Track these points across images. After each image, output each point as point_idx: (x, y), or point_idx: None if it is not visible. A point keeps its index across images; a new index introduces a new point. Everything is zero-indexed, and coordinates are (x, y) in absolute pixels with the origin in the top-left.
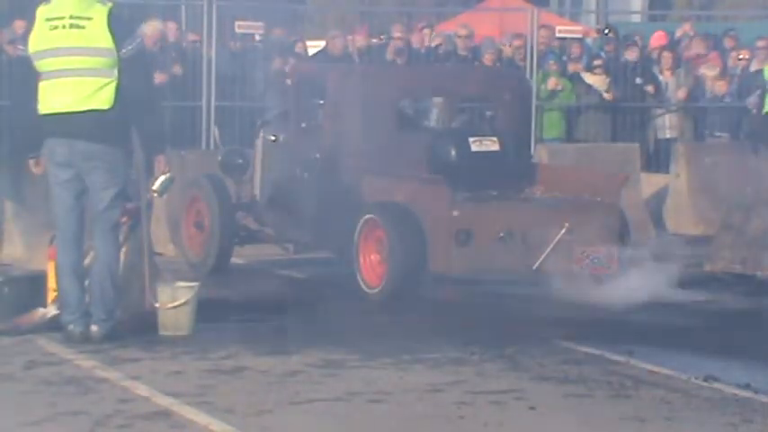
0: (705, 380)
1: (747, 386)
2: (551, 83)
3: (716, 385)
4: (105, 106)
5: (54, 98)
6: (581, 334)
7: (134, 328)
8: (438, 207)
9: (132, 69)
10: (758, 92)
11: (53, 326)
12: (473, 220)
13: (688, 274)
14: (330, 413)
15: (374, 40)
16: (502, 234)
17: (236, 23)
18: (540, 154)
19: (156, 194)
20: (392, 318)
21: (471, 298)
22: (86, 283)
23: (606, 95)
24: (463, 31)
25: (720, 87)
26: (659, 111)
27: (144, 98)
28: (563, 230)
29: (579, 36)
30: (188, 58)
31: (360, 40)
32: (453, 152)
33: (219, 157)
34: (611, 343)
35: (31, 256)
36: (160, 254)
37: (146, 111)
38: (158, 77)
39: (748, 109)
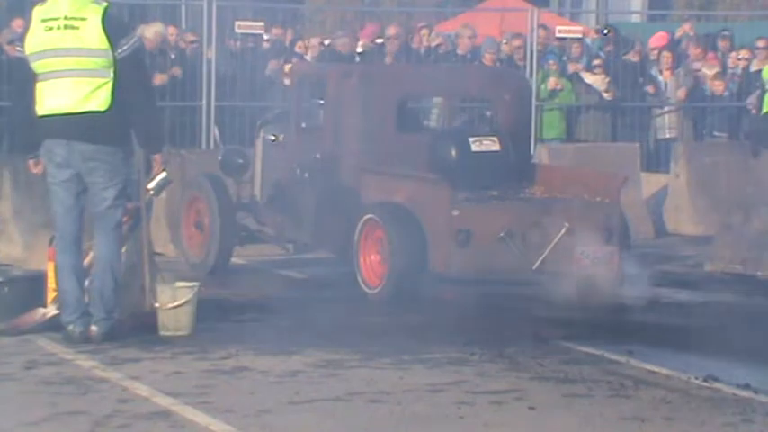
0: (705, 380)
1: (747, 386)
2: (551, 83)
3: (716, 385)
4: (102, 108)
5: (50, 100)
6: (581, 334)
7: (134, 328)
8: (438, 207)
9: (129, 69)
10: (757, 92)
11: (53, 326)
12: (473, 220)
13: (688, 274)
14: (330, 413)
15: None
16: (502, 234)
17: (236, 23)
18: (540, 154)
19: (151, 193)
20: (392, 318)
21: (471, 298)
22: (86, 282)
23: (605, 95)
24: (467, 32)
25: (718, 87)
26: (659, 111)
27: (141, 98)
28: (563, 231)
29: (579, 36)
30: (187, 59)
31: (366, 41)
32: (453, 152)
33: (219, 157)
34: (611, 343)
35: (30, 256)
36: (160, 254)
37: (142, 110)
38: (159, 78)
39: (748, 109)
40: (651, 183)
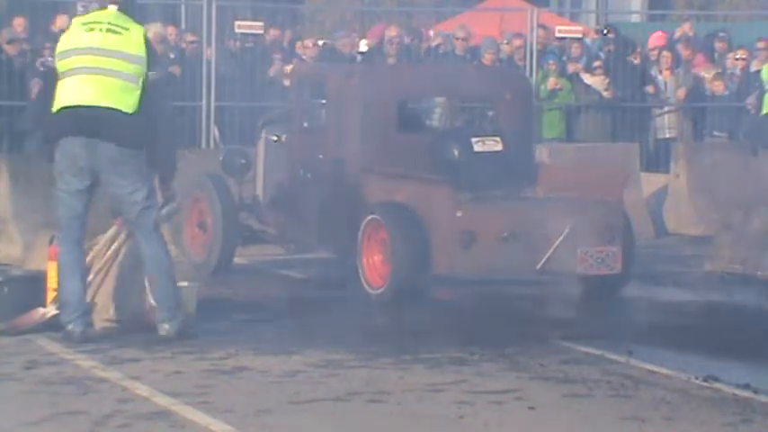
0: (705, 380)
1: (747, 386)
2: (551, 83)
3: (715, 385)
4: (129, 110)
5: (74, 93)
6: (581, 334)
7: (134, 328)
8: (441, 208)
9: (154, 94)
10: (756, 92)
11: (53, 326)
12: (476, 220)
13: (688, 274)
14: (330, 413)
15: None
16: (505, 234)
17: (236, 23)
18: (540, 154)
19: (161, 221)
20: (392, 318)
21: (471, 298)
22: (89, 279)
23: (605, 93)
24: (461, 33)
25: (718, 87)
26: (659, 111)
27: (159, 125)
28: (566, 231)
29: (579, 36)
30: (187, 59)
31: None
32: (456, 152)
33: (221, 158)
34: (611, 343)
35: (30, 256)
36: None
37: (159, 136)
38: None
39: (747, 109)
40: (651, 183)
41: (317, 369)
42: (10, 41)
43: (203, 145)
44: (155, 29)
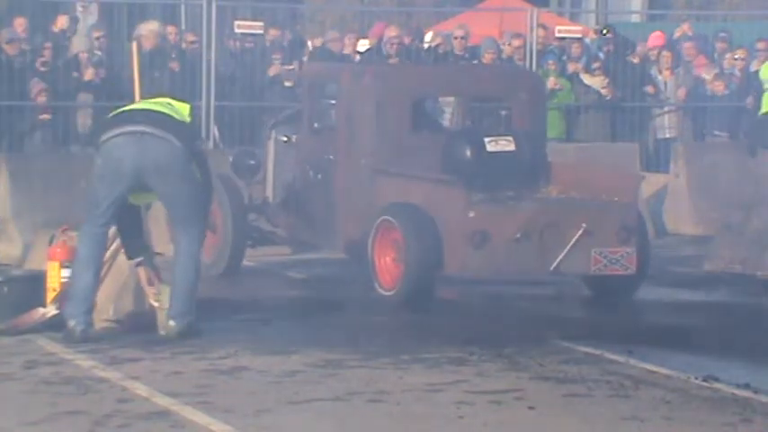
0: (704, 380)
1: (747, 386)
2: (551, 83)
3: (715, 385)
4: (182, 119)
5: (128, 107)
6: (581, 334)
7: (134, 328)
8: (454, 208)
9: (202, 160)
10: (755, 92)
11: (53, 326)
12: (489, 221)
13: (688, 274)
14: (330, 413)
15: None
16: (518, 235)
17: (236, 23)
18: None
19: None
20: (392, 318)
21: (471, 298)
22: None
23: (605, 93)
24: (459, 32)
25: (718, 87)
26: (659, 111)
27: (205, 186)
28: (580, 231)
29: (578, 36)
30: (187, 58)
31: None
32: (468, 152)
33: (231, 159)
34: (611, 343)
35: (30, 255)
36: (160, 254)
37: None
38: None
39: (747, 109)
40: (651, 183)
41: (317, 369)
42: (9, 41)
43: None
44: (151, 26)
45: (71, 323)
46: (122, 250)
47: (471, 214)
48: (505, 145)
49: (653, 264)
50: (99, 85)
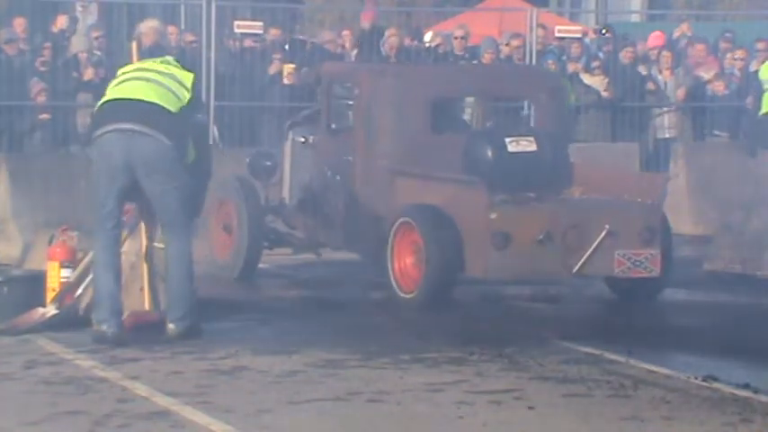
0: (704, 379)
1: (746, 386)
2: None
3: (715, 385)
4: (172, 109)
5: (119, 89)
6: (581, 334)
7: (134, 328)
8: (475, 210)
9: (202, 133)
10: (755, 92)
11: (53, 326)
12: (511, 222)
13: (688, 274)
14: (330, 413)
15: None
16: (541, 237)
17: (235, 23)
18: None
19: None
20: (391, 318)
21: (471, 298)
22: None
23: (605, 93)
24: (459, 32)
25: (718, 87)
26: (659, 111)
27: (204, 158)
28: (603, 232)
29: (578, 36)
30: (187, 58)
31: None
32: (490, 153)
33: (248, 160)
34: (611, 343)
35: (30, 255)
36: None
37: (195, 175)
38: None
39: (747, 109)
40: None
41: (317, 369)
42: (9, 41)
43: None
44: (151, 24)
45: (102, 327)
46: (123, 249)
47: (493, 216)
48: (527, 145)
49: None
50: (99, 84)
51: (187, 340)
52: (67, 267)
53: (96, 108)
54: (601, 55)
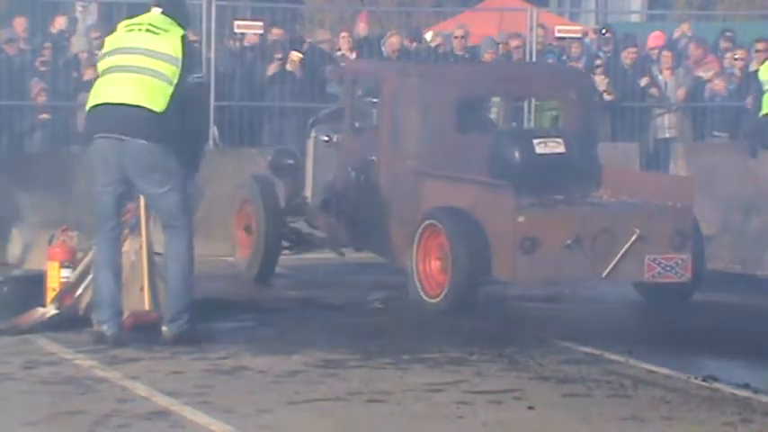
0: (704, 379)
1: (746, 386)
2: None
3: (715, 385)
4: (157, 109)
5: (107, 89)
6: (581, 334)
7: (134, 327)
8: (503, 213)
9: (192, 98)
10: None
11: (53, 326)
12: (539, 226)
13: None
14: (329, 413)
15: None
16: (569, 241)
17: (236, 23)
18: None
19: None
20: (391, 318)
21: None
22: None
23: (607, 96)
24: (459, 32)
25: (719, 87)
26: (659, 111)
27: (194, 128)
28: (634, 237)
29: (578, 36)
30: None
31: (363, 29)
32: (517, 154)
33: (269, 158)
34: (611, 343)
35: (30, 255)
36: (160, 254)
37: (191, 139)
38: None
39: (747, 109)
40: None
41: (317, 369)
42: (9, 41)
43: None
44: None
45: (102, 328)
46: (123, 249)
47: (521, 219)
48: (555, 147)
49: None
50: None
51: (182, 344)
52: (67, 267)
53: (88, 107)
54: (601, 55)
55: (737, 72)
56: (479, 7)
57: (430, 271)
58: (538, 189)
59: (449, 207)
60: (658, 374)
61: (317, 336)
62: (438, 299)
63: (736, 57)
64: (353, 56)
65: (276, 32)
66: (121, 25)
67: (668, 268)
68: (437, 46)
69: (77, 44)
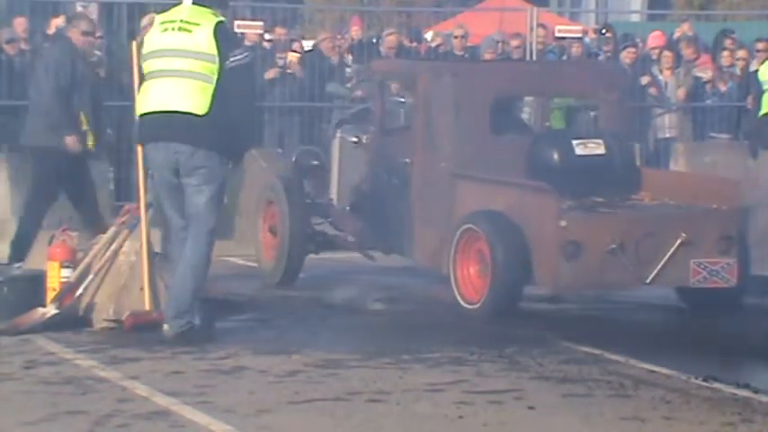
0: (704, 379)
1: (747, 386)
2: None
3: (715, 385)
4: (200, 111)
5: (152, 97)
6: (581, 334)
7: (133, 327)
8: (544, 217)
9: (236, 79)
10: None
11: (53, 325)
12: (582, 230)
13: None
14: (330, 413)
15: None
16: (613, 246)
17: (236, 23)
18: None
19: None
20: (391, 318)
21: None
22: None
23: None
24: (459, 32)
25: (720, 87)
26: (659, 111)
27: (242, 108)
28: (679, 241)
29: (578, 36)
30: None
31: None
32: (556, 156)
33: (294, 158)
34: (611, 343)
35: (30, 256)
36: (160, 254)
37: (243, 120)
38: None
39: (747, 109)
40: None
41: (317, 369)
42: (9, 41)
43: None
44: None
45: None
46: (123, 249)
47: (563, 223)
48: (595, 148)
49: None
50: None
51: (183, 343)
52: (67, 267)
53: (138, 114)
54: (601, 54)
55: (738, 72)
56: (479, 7)
57: (468, 277)
58: (579, 192)
59: (489, 211)
60: (658, 374)
61: (317, 336)
62: (477, 305)
63: (737, 57)
64: (350, 60)
65: (279, 32)
66: (157, 22)
67: (714, 273)
68: (437, 46)
69: None
